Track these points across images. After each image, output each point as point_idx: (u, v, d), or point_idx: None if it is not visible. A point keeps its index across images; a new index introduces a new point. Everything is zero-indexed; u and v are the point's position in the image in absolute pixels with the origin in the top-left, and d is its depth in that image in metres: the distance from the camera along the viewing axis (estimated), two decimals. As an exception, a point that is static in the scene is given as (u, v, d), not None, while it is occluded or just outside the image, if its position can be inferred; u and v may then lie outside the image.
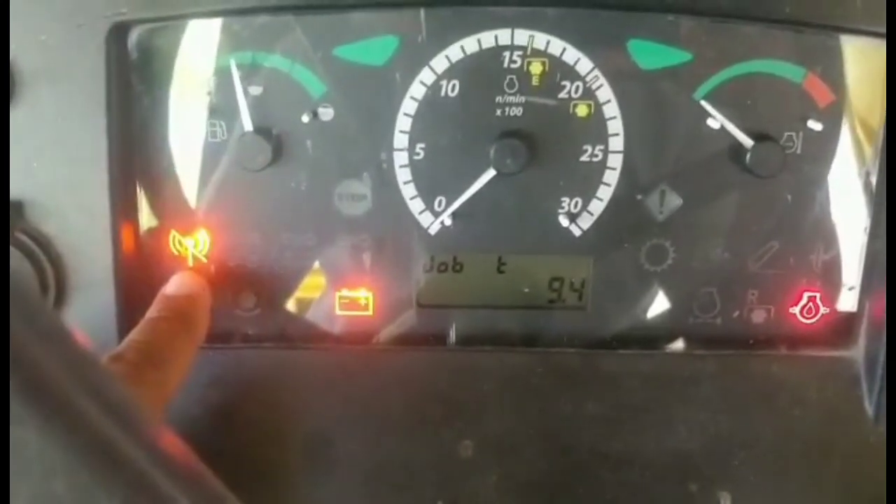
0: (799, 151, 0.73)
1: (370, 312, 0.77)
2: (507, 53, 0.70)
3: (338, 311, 0.77)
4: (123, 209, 0.71)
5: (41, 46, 0.66)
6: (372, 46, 0.70)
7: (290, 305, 0.78)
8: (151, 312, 0.68)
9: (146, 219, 0.74)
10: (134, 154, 0.72)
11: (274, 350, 0.76)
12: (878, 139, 0.73)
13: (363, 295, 0.77)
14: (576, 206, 0.74)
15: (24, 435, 0.25)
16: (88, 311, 0.70)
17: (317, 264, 0.76)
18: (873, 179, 0.74)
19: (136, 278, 0.73)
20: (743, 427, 0.74)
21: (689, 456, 0.74)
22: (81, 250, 0.70)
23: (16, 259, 0.66)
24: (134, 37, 0.69)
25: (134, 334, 0.64)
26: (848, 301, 0.77)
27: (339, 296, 0.77)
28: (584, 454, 0.74)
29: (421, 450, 0.74)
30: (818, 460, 0.74)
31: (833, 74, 0.71)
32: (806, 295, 0.77)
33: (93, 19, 0.66)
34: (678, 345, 0.78)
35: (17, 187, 0.68)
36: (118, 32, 0.67)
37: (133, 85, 0.71)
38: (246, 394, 0.74)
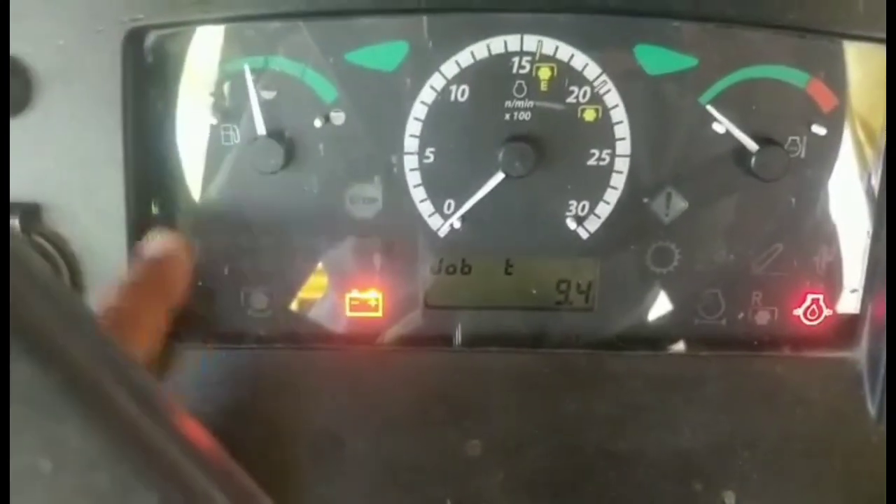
0: (803, 155, 0.74)
1: (380, 314, 0.78)
2: (516, 59, 0.71)
3: (348, 312, 0.78)
4: (138, 212, 0.72)
5: (57, 50, 0.67)
6: (382, 52, 0.72)
7: (301, 306, 0.79)
8: (128, 276, 0.67)
9: (160, 220, 0.75)
10: (148, 157, 0.73)
11: (285, 350, 0.77)
12: (881, 143, 0.74)
13: (373, 296, 0.78)
14: (583, 209, 0.75)
15: (64, 431, 0.26)
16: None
17: (327, 266, 0.77)
18: (876, 183, 0.75)
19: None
20: (747, 427, 0.75)
21: (694, 455, 0.75)
22: (97, 253, 0.71)
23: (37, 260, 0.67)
24: (149, 42, 0.70)
25: (109, 300, 0.62)
26: (851, 303, 0.78)
27: (350, 297, 0.78)
28: (590, 454, 0.75)
29: (429, 449, 0.75)
30: (821, 460, 0.75)
31: (836, 79, 0.72)
32: (809, 297, 0.78)
33: (110, 24, 0.67)
34: (683, 346, 0.79)
35: (33, 190, 0.70)
36: (134, 38, 0.68)
37: (148, 89, 0.72)
38: (257, 394, 0.75)
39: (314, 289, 0.78)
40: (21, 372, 0.26)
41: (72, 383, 0.27)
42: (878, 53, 0.71)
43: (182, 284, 0.69)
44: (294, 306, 0.78)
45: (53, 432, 0.26)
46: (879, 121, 0.74)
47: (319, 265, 0.77)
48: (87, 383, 0.27)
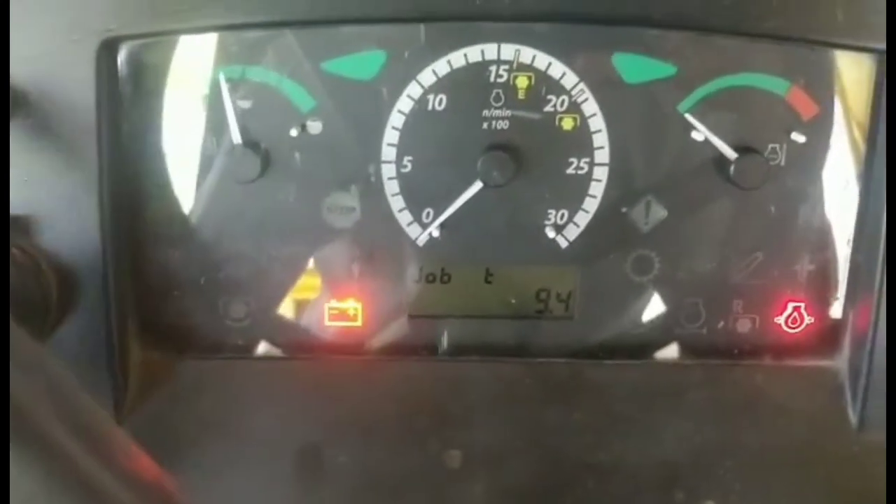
0: (783, 163, 0.73)
1: (359, 323, 0.78)
2: (493, 67, 0.71)
3: (327, 322, 0.78)
4: (114, 222, 0.71)
5: (32, 62, 0.66)
6: (359, 61, 0.71)
7: (280, 316, 0.78)
8: None
9: (137, 230, 0.75)
10: (124, 166, 0.72)
11: (263, 361, 0.77)
12: (862, 151, 0.73)
13: (352, 306, 0.78)
14: (562, 217, 0.75)
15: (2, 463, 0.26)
16: (83, 324, 0.71)
17: (306, 276, 0.77)
18: (857, 191, 0.74)
19: (129, 289, 0.74)
20: (728, 436, 0.75)
21: (676, 465, 0.75)
22: (76, 264, 0.71)
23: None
24: (124, 52, 0.70)
25: None
26: (833, 311, 0.77)
27: (329, 307, 0.78)
28: (571, 463, 0.75)
29: (410, 459, 0.74)
30: (802, 469, 0.74)
31: (817, 87, 0.72)
32: (791, 305, 0.77)
33: (83, 35, 0.66)
34: (664, 354, 0.79)
35: (11, 200, 0.69)
36: (108, 48, 0.68)
37: (123, 99, 0.71)
38: (235, 404, 0.75)
39: (292, 298, 0.78)
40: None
41: (9, 417, 0.27)
42: (859, 61, 0.71)
43: None
44: (272, 316, 0.78)
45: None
46: (860, 128, 0.73)
47: (297, 275, 0.77)
48: (26, 418, 0.27)
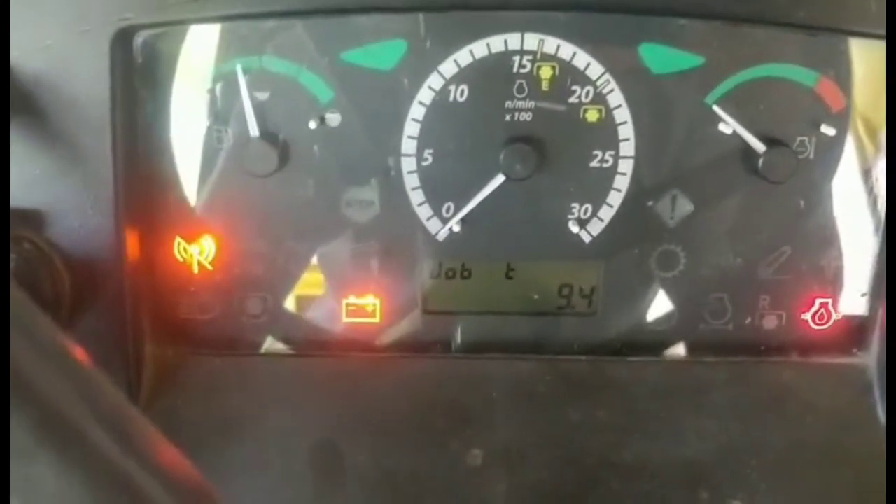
0: (811, 156, 0.72)
1: (377, 319, 0.77)
2: (516, 58, 0.69)
3: (345, 318, 0.77)
4: (129, 216, 0.70)
5: (45, 52, 0.65)
6: (379, 51, 0.70)
7: (297, 312, 0.77)
8: None
9: (151, 225, 0.73)
10: (139, 159, 0.71)
11: (279, 357, 0.75)
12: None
13: (370, 302, 0.76)
14: (586, 211, 0.73)
15: (39, 471, 0.24)
16: (97, 319, 0.70)
17: (323, 271, 0.76)
18: (885, 184, 0.73)
19: (144, 285, 0.72)
20: (754, 434, 0.74)
21: (700, 464, 0.73)
22: (88, 258, 0.69)
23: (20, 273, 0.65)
24: (139, 42, 0.68)
25: None
26: (861, 307, 0.76)
27: (346, 303, 0.76)
28: (593, 463, 0.74)
29: (429, 458, 0.73)
30: (830, 468, 0.73)
31: (846, 79, 0.71)
32: (818, 301, 0.76)
33: (98, 25, 0.65)
34: (689, 351, 0.77)
35: (22, 195, 0.67)
36: (123, 37, 0.66)
37: (138, 90, 0.70)
38: (251, 401, 0.74)
39: (310, 294, 0.76)
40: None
41: (44, 423, 0.25)
42: (890, 51, 0.69)
43: None
44: (289, 312, 0.77)
45: (26, 474, 0.25)
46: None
47: (315, 270, 0.76)
48: (61, 422, 0.25)
